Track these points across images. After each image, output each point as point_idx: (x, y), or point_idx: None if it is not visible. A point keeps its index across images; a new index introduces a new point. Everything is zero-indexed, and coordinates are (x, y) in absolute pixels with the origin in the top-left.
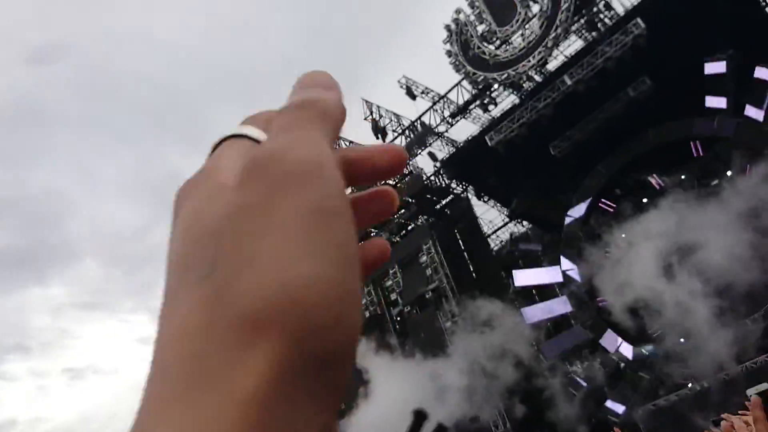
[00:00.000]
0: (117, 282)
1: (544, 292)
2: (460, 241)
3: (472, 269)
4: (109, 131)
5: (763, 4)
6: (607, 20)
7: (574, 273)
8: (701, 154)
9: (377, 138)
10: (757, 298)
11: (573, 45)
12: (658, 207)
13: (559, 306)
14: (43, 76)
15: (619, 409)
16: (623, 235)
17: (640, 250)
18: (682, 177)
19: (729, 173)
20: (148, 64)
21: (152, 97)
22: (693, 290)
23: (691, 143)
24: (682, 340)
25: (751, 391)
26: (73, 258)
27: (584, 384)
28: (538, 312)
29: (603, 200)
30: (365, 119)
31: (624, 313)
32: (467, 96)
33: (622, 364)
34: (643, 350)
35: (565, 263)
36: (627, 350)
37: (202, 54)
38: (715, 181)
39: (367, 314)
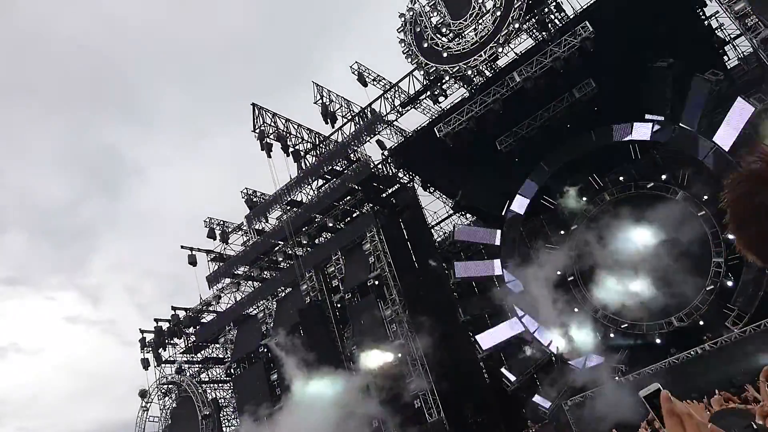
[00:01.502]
0: (44, 257)
1: (484, 285)
2: (404, 231)
3: (414, 259)
4: (41, 99)
5: (703, 17)
6: (557, 21)
7: (513, 267)
8: (639, 157)
9: (326, 123)
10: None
11: (523, 43)
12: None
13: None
14: None
15: (546, 403)
16: (561, 232)
17: (566, 252)
18: (620, 178)
19: (663, 177)
20: (85, 30)
21: (88, 66)
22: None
23: (630, 146)
24: (612, 335)
25: (642, 393)
26: None
27: (517, 375)
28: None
29: (544, 197)
30: (315, 103)
31: (557, 308)
32: (418, 86)
33: (554, 357)
34: (573, 344)
35: (505, 257)
36: (558, 342)
37: (145, 26)
38: (650, 184)
39: (308, 300)
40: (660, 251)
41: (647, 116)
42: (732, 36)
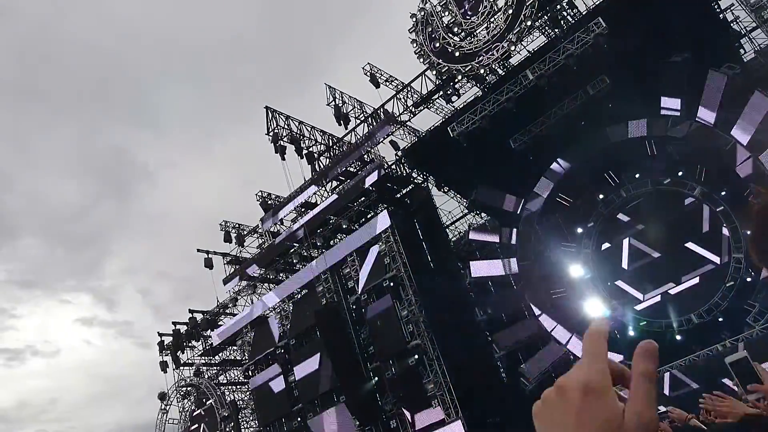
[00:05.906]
0: (58, 260)
1: (500, 284)
2: (419, 231)
3: (429, 259)
4: (49, 102)
5: (718, 10)
6: (570, 18)
7: (529, 265)
8: (655, 153)
9: (339, 124)
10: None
11: (536, 41)
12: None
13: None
14: None
15: None
16: (579, 230)
17: (582, 250)
18: (636, 175)
19: (680, 173)
20: (93, 32)
21: (96, 67)
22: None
23: (646, 142)
24: (630, 332)
25: (728, 359)
26: (11, 234)
27: (534, 376)
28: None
29: (560, 195)
30: (328, 104)
31: (573, 306)
32: (431, 86)
33: (572, 356)
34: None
35: (521, 255)
36: (576, 343)
37: (153, 27)
38: (667, 180)
39: (324, 301)
40: (678, 248)
41: (663, 100)
42: (748, 29)
